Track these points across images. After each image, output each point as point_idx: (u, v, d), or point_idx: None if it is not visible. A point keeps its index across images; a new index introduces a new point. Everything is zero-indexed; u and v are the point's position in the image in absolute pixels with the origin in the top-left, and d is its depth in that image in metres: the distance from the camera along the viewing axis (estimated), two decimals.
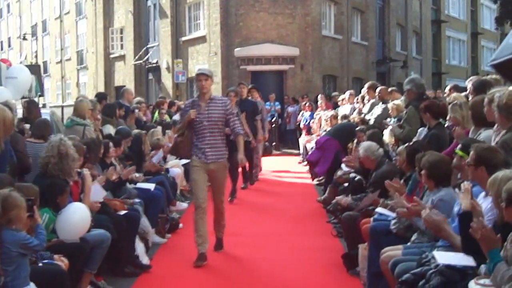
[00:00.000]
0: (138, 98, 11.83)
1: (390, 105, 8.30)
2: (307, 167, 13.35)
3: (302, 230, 7.71)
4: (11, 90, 7.67)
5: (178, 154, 7.69)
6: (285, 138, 19.31)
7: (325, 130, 10.69)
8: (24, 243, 3.56)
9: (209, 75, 6.13)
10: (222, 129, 6.26)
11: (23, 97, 8.69)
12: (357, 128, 8.33)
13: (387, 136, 7.50)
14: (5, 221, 3.53)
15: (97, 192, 5.42)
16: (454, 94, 7.25)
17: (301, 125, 15.71)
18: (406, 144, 5.69)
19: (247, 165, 9.64)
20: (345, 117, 10.35)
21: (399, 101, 8.27)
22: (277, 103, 19.09)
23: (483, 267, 3.31)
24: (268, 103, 18.32)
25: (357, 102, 11.39)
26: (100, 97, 9.58)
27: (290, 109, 18.71)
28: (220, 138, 6.24)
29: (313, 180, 11.14)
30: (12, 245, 3.53)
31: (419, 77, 8.47)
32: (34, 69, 15.20)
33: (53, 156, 4.84)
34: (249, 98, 10.31)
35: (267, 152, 12.90)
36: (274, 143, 17.99)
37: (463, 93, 6.43)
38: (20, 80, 8.31)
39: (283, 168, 13.92)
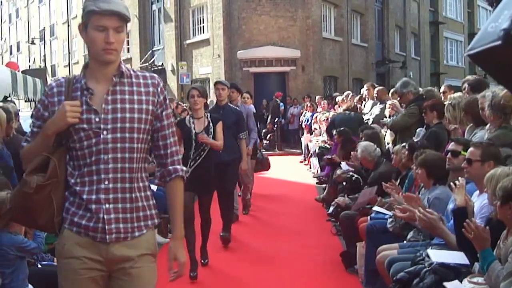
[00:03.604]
0: None
1: (389, 102, 8.30)
2: (308, 166, 13.43)
3: (302, 228, 7.76)
4: None
5: (26, 222, 2.72)
6: (287, 138, 19.38)
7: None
8: (21, 246, 3.59)
9: (126, 18, 2.32)
10: (143, 148, 2.46)
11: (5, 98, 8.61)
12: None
13: (388, 136, 7.52)
14: (2, 224, 3.53)
15: None
16: (454, 94, 7.23)
17: (303, 125, 15.85)
18: (403, 144, 5.71)
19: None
20: None
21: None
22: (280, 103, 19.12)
23: (476, 265, 3.32)
24: (276, 99, 18.17)
25: (357, 103, 11.38)
26: None
27: (294, 110, 18.78)
28: (138, 172, 2.45)
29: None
30: (10, 248, 3.55)
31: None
32: (40, 72, 15.38)
33: None
34: (229, 104, 6.98)
35: (262, 167, 9.34)
36: (276, 143, 18.02)
37: (457, 94, 6.42)
38: None
39: (284, 168, 13.87)
